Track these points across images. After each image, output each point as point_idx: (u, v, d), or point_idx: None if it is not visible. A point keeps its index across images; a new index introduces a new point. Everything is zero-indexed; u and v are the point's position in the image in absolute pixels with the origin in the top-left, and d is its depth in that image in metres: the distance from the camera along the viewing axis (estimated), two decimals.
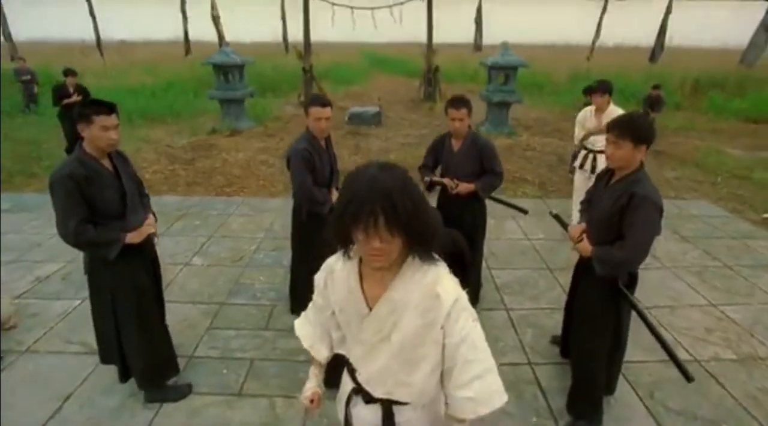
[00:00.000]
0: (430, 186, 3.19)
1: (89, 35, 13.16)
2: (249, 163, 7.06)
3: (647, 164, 2.12)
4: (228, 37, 13.04)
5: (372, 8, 12.32)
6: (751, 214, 5.41)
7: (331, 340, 1.38)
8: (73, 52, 17.39)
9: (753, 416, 2.47)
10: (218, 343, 3.01)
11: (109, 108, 2.04)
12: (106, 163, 2.14)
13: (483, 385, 1.10)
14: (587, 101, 5.87)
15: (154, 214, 2.43)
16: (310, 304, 1.39)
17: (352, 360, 1.30)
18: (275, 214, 5.14)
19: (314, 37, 11.23)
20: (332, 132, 3.06)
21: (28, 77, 10.51)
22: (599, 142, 4.18)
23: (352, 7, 12.13)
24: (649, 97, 8.67)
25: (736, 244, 4.59)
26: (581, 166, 4.41)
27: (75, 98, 6.76)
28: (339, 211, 1.00)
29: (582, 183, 4.40)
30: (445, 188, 3.13)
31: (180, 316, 3.21)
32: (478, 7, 14.59)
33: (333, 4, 11.80)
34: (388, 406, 1.24)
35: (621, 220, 2.03)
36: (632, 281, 2.19)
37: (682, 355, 2.87)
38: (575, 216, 4.18)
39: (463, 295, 1.11)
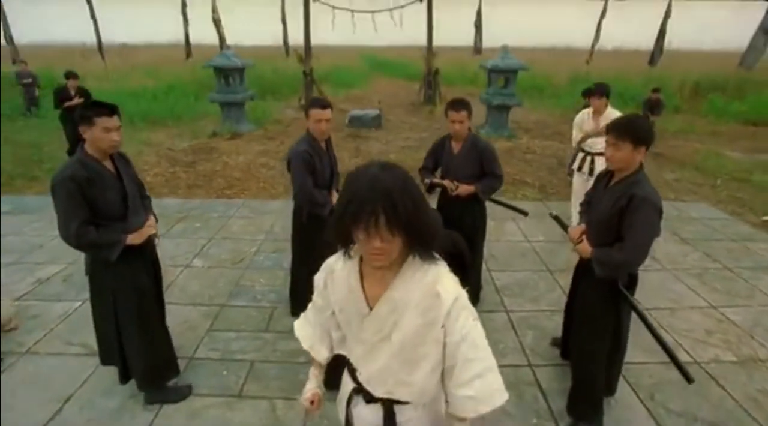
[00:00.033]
0: (430, 188, 3.20)
1: (90, 38, 13.22)
2: (249, 165, 7.07)
3: (647, 166, 2.13)
4: (229, 40, 13.10)
5: (372, 11, 12.36)
6: (751, 217, 5.42)
7: (331, 340, 1.38)
8: (74, 55, 17.45)
9: (753, 418, 2.46)
10: (218, 344, 3.02)
11: (110, 110, 2.05)
12: (108, 164, 2.15)
13: (484, 383, 1.10)
14: (586, 104, 5.88)
15: (155, 216, 2.44)
16: (310, 305, 1.40)
17: (352, 360, 1.30)
18: (276, 216, 5.15)
19: (315, 40, 11.27)
20: (332, 135, 3.07)
21: (30, 80, 10.55)
22: (597, 144, 4.19)
23: (352, 11, 12.17)
24: (648, 100, 8.69)
25: (736, 246, 4.59)
26: (579, 169, 4.42)
27: (76, 101, 6.78)
28: (340, 210, 1.01)
29: (580, 185, 4.40)
30: (445, 190, 3.14)
31: (180, 317, 3.21)
32: (478, 10, 14.65)
33: (333, 7, 11.85)
34: (389, 406, 1.24)
35: (620, 221, 2.04)
36: (632, 282, 2.19)
37: (682, 356, 2.86)
38: (574, 218, 4.19)
39: (464, 294, 1.12)
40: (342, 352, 1.36)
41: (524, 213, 3.43)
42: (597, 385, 2.31)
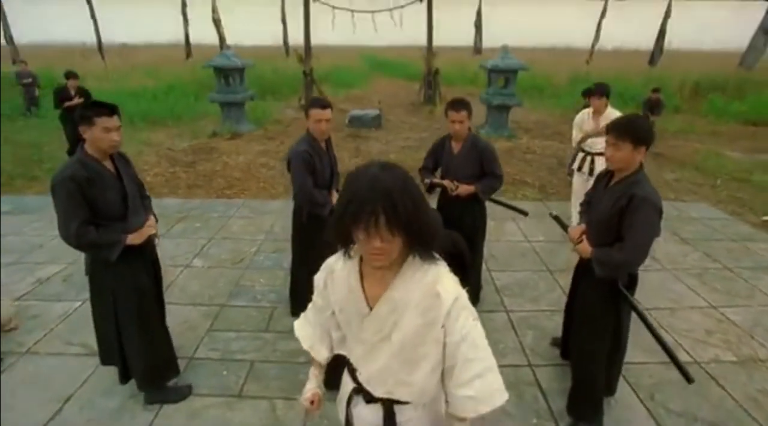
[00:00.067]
0: (430, 188, 3.20)
1: (90, 38, 13.22)
2: (249, 165, 7.07)
3: (647, 166, 2.13)
4: (229, 40, 13.10)
5: (372, 11, 12.35)
6: (751, 217, 5.42)
7: (331, 340, 1.38)
8: (74, 55, 17.46)
9: (753, 418, 2.46)
10: (218, 344, 3.01)
11: (110, 109, 2.05)
12: (108, 164, 2.15)
13: (484, 383, 1.10)
14: (587, 104, 5.88)
15: (155, 216, 2.44)
16: (310, 305, 1.39)
17: (352, 360, 1.30)
18: (276, 216, 5.15)
19: (315, 40, 11.26)
20: (332, 135, 3.07)
21: (30, 80, 10.54)
22: (597, 144, 4.19)
23: (352, 11, 12.17)
24: (648, 100, 8.69)
25: (736, 246, 4.59)
26: (579, 169, 4.42)
27: (76, 101, 6.78)
28: (340, 210, 1.01)
29: (580, 185, 4.40)
30: (445, 190, 3.14)
31: (180, 317, 3.21)
32: (478, 10, 14.65)
33: (333, 7, 11.84)
34: (389, 406, 1.24)
35: (620, 221, 2.04)
36: (632, 282, 2.20)
37: (682, 356, 2.86)
38: (574, 218, 4.19)
39: (464, 294, 1.12)
40: (342, 352, 1.36)
41: (524, 213, 3.43)
42: (597, 385, 2.31)
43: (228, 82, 9.24)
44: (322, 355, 1.39)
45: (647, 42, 13.78)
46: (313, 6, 11.16)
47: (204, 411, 2.47)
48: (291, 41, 14.19)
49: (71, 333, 3.08)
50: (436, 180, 3.20)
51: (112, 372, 2.51)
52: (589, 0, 14.54)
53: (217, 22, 13.25)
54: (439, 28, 12.01)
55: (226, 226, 4.92)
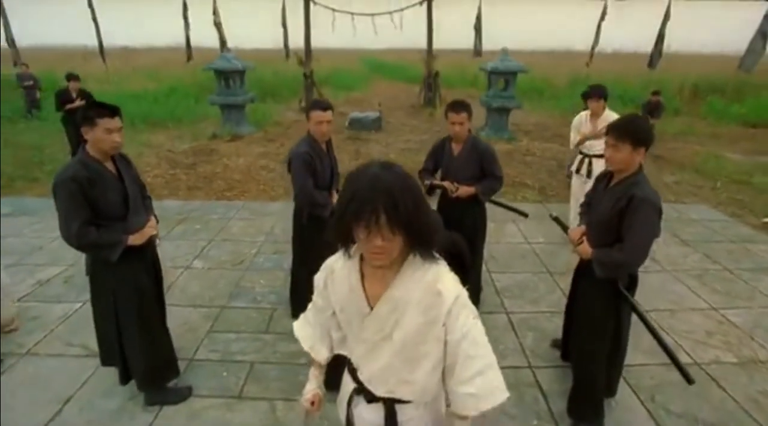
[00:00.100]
0: (431, 189, 3.20)
1: (92, 41, 13.23)
2: (249, 167, 7.08)
3: (647, 169, 2.13)
4: (229, 44, 13.12)
5: (372, 14, 12.37)
6: (751, 218, 5.42)
7: (332, 340, 1.38)
8: (75, 58, 17.50)
9: (754, 419, 2.46)
10: (218, 346, 3.01)
11: (112, 111, 2.06)
12: (110, 165, 2.16)
13: (485, 381, 1.10)
14: (587, 107, 5.90)
15: (155, 217, 2.44)
16: (310, 305, 1.39)
17: (353, 359, 1.30)
18: (276, 218, 5.15)
19: (315, 43, 11.29)
20: (333, 137, 3.08)
21: (31, 83, 10.57)
22: (595, 146, 4.20)
23: (352, 13, 12.19)
24: (648, 102, 8.71)
25: (736, 247, 4.60)
26: (577, 171, 4.41)
27: (78, 103, 6.79)
28: (341, 209, 1.01)
29: (578, 187, 4.40)
30: (446, 192, 3.15)
31: (180, 319, 3.21)
32: (478, 14, 14.67)
33: (333, 10, 11.87)
34: (390, 405, 1.24)
35: (620, 222, 2.04)
36: (632, 283, 2.20)
37: (682, 358, 2.85)
38: (573, 220, 4.19)
39: (464, 293, 1.12)
40: (342, 352, 1.36)
41: (524, 215, 3.43)
42: (597, 386, 2.31)
43: (228, 84, 9.26)
44: (323, 355, 1.39)
45: (646, 45, 13.81)
46: (313, 9, 11.19)
47: (204, 412, 2.46)
48: (291, 44, 14.19)
49: (71, 334, 3.08)
50: (437, 182, 3.20)
51: (111, 373, 2.51)
52: (588, 2, 14.58)
53: (218, 26, 13.28)
54: (438, 31, 12.04)
55: (226, 228, 4.92)
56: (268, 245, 4.51)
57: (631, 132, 1.99)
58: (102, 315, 2.31)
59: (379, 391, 1.24)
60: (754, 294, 3.75)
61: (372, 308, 1.16)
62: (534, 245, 4.59)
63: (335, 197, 2.93)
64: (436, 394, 1.24)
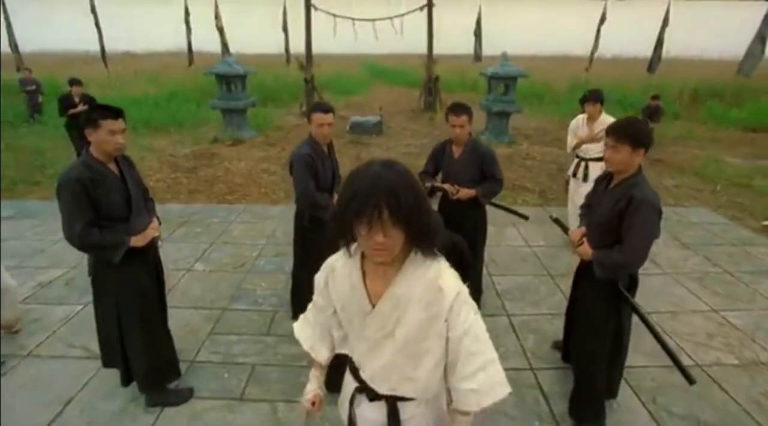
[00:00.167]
0: (431, 192, 3.21)
1: (94, 46, 13.32)
2: (251, 171, 7.10)
3: (646, 172, 2.14)
4: (230, 49, 13.20)
5: (373, 20, 12.45)
6: (751, 222, 5.43)
7: (332, 340, 1.38)
8: (77, 63, 17.61)
9: (756, 421, 2.46)
10: (220, 348, 3.02)
11: (115, 113, 2.08)
12: (113, 167, 2.17)
13: (486, 376, 1.11)
14: (584, 110, 5.91)
15: (158, 218, 2.45)
16: (310, 306, 1.40)
17: (355, 358, 1.31)
18: (277, 221, 5.16)
19: (316, 48, 11.35)
20: (334, 141, 3.10)
21: (33, 87, 10.62)
22: (591, 150, 4.22)
23: (353, 19, 12.27)
24: (648, 107, 8.74)
25: (736, 250, 4.60)
26: (574, 175, 4.43)
27: (81, 108, 6.82)
28: (342, 206, 1.01)
29: (575, 191, 4.42)
30: (446, 194, 3.16)
31: (182, 321, 3.22)
32: (478, 19, 14.76)
33: (334, 15, 11.94)
34: (392, 403, 1.24)
35: (620, 223, 2.05)
36: (632, 285, 2.21)
37: (684, 360, 2.84)
38: (572, 223, 4.20)
39: (465, 289, 1.13)
40: (344, 351, 1.36)
41: (525, 217, 3.44)
42: (597, 386, 2.31)
43: (230, 89, 9.31)
44: (323, 355, 1.39)
45: (646, 50, 13.88)
46: (314, 14, 11.27)
47: (205, 414, 2.46)
48: (292, 49, 14.27)
49: (73, 336, 3.08)
50: (437, 184, 3.22)
51: (113, 375, 2.51)
52: (588, 7, 14.65)
53: (220, 30, 13.37)
54: (439, 36, 12.11)
55: (228, 231, 4.93)
56: (269, 248, 4.52)
57: (631, 133, 2.01)
58: (104, 316, 2.31)
59: (382, 389, 1.25)
60: (754, 296, 3.75)
61: (374, 306, 1.16)
62: (534, 248, 4.60)
63: (336, 199, 2.94)
64: (438, 392, 1.24)
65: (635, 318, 2.19)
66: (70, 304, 3.47)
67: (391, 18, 12.42)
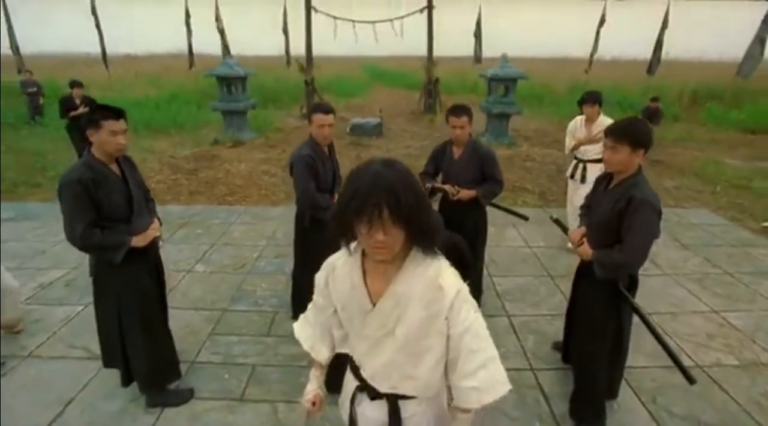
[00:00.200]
0: (432, 193, 3.22)
1: (95, 48, 13.36)
2: (251, 173, 7.11)
3: (646, 173, 2.15)
4: (231, 50, 13.23)
5: (373, 22, 12.49)
6: (751, 223, 5.43)
7: (333, 339, 1.39)
8: (78, 65, 17.65)
9: (757, 422, 2.46)
10: (220, 348, 3.02)
11: (117, 113, 2.09)
12: (114, 167, 2.18)
13: (487, 374, 1.12)
14: (582, 112, 5.92)
15: (159, 219, 2.46)
16: (310, 306, 1.40)
17: (355, 356, 1.31)
18: (277, 222, 5.17)
19: (316, 50, 11.39)
20: (334, 142, 3.10)
21: (34, 89, 10.65)
22: (589, 151, 4.22)
23: (353, 21, 12.30)
24: (647, 109, 8.77)
25: (737, 251, 4.60)
26: (572, 176, 4.43)
27: (82, 110, 6.83)
28: (342, 205, 1.02)
29: (573, 192, 4.42)
30: (446, 195, 3.17)
31: (182, 322, 3.22)
32: (478, 21, 14.80)
33: (335, 17, 11.98)
34: (393, 401, 1.25)
35: (620, 223, 2.05)
36: (633, 285, 2.21)
37: (684, 360, 2.83)
38: (571, 224, 4.20)
39: (465, 287, 1.14)
40: (344, 350, 1.37)
41: (525, 218, 3.44)
42: (597, 386, 2.31)
43: (230, 90, 9.33)
44: (323, 354, 1.40)
45: (645, 51, 13.91)
46: (314, 16, 11.30)
47: (205, 414, 2.46)
48: (293, 51, 14.29)
49: (73, 337, 3.08)
50: (438, 185, 3.23)
51: (113, 376, 2.51)
52: (588, 9, 14.68)
53: (221, 32, 13.41)
54: (439, 38, 12.15)
55: (228, 232, 4.94)
56: (269, 249, 4.53)
57: (630, 134, 2.02)
58: (105, 316, 2.32)
59: (383, 388, 1.25)
60: (754, 297, 3.75)
61: (374, 305, 1.17)
62: (534, 249, 4.60)
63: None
64: (439, 390, 1.25)
65: (635, 318, 2.19)
66: (70, 304, 3.47)
67: (391, 20, 12.45)
